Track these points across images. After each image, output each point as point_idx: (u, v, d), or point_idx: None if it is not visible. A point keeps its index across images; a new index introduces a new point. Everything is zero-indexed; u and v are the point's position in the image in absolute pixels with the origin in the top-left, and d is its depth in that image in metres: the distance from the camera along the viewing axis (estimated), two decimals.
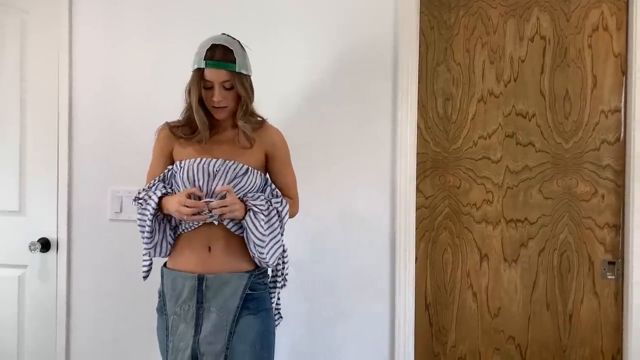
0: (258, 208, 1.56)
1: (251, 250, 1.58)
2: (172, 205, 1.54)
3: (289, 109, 2.09)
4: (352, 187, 2.08)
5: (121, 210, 2.19)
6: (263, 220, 1.56)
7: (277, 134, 1.71)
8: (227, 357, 1.55)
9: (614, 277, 2.00)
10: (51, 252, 2.26)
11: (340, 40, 2.08)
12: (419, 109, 2.07)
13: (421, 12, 2.08)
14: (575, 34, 2.01)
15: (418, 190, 2.08)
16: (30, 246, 2.23)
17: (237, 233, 1.60)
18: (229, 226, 1.60)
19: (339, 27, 2.09)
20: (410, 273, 2.04)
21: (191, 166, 1.60)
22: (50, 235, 2.26)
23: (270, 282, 1.71)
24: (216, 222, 1.56)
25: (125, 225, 2.20)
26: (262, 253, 1.58)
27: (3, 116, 2.30)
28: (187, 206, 1.50)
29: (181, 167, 1.62)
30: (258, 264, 1.62)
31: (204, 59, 1.55)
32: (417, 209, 2.07)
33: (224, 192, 1.53)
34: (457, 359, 2.10)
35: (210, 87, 1.57)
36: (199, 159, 1.60)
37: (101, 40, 2.24)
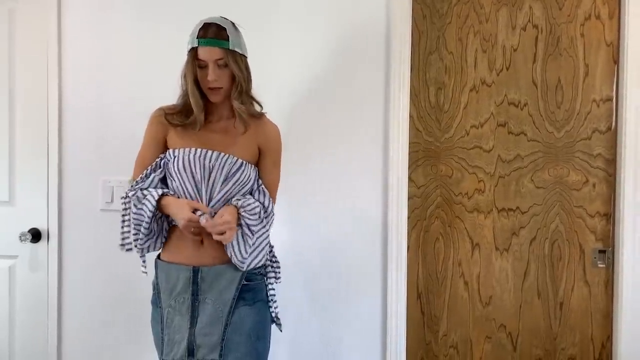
0: (250, 230, 1.56)
1: (230, 254, 1.57)
2: (177, 217, 1.53)
3: (279, 100, 2.08)
4: (344, 177, 2.08)
5: (112, 201, 2.18)
6: (250, 246, 1.57)
7: (274, 130, 1.68)
8: (223, 348, 1.54)
9: (604, 265, 2.01)
10: (42, 243, 2.25)
11: (332, 29, 2.07)
12: (411, 98, 2.07)
13: (414, 1, 2.07)
14: (568, 22, 2.01)
15: (410, 179, 2.08)
16: (20, 237, 2.22)
17: None
18: None
19: (331, 16, 2.07)
20: (402, 262, 2.05)
21: (186, 157, 1.57)
22: (41, 226, 2.25)
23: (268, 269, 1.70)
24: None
25: (117, 216, 2.16)
26: (242, 263, 1.58)
27: None
28: (192, 226, 1.51)
29: (175, 156, 1.59)
30: None
31: (197, 38, 1.54)
32: (409, 198, 2.07)
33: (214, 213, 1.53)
34: (449, 347, 2.11)
35: (205, 67, 1.55)
36: (194, 150, 1.57)
37: (91, 28, 2.21)
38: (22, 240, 2.22)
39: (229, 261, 1.57)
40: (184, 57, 2.00)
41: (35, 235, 2.24)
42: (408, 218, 2.07)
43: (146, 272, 1.65)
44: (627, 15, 1.94)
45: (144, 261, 1.64)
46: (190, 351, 1.54)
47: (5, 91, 2.26)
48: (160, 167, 1.64)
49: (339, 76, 2.07)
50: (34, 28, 2.24)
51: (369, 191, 2.07)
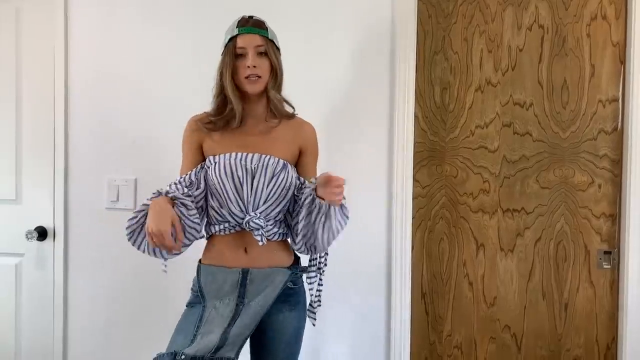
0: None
1: (321, 240, 1.55)
2: (152, 220, 1.41)
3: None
4: (349, 176, 2.06)
5: (117, 199, 2.19)
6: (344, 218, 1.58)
7: (311, 128, 1.68)
8: (241, 346, 1.50)
9: (609, 266, 2.00)
10: (48, 241, 2.26)
11: (336, 28, 2.07)
12: (416, 97, 2.07)
13: (419, 0, 2.07)
14: (574, 22, 2.00)
15: (415, 179, 2.08)
16: (27, 234, 2.23)
17: (274, 239, 1.58)
18: (269, 236, 1.55)
19: (335, 16, 2.07)
20: (407, 262, 2.05)
21: (227, 161, 1.52)
22: (47, 224, 2.26)
23: (312, 269, 1.66)
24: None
25: (122, 214, 2.18)
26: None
27: None
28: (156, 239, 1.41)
29: (216, 162, 1.54)
30: (311, 254, 1.61)
31: (237, 27, 1.54)
32: (413, 198, 2.07)
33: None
34: (453, 347, 2.11)
35: (243, 56, 1.53)
36: (234, 154, 1.53)
37: (97, 27, 2.22)
38: (28, 238, 2.23)
39: (276, 265, 1.57)
40: (188, 58, 2.01)
41: (42, 233, 2.25)
42: (413, 218, 2.07)
43: (166, 270, 1.59)
44: (633, 15, 1.93)
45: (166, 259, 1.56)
46: (218, 348, 1.46)
47: (12, 90, 2.28)
48: (193, 183, 1.57)
49: (343, 76, 2.07)
50: (41, 27, 2.25)
51: (373, 191, 2.07)
